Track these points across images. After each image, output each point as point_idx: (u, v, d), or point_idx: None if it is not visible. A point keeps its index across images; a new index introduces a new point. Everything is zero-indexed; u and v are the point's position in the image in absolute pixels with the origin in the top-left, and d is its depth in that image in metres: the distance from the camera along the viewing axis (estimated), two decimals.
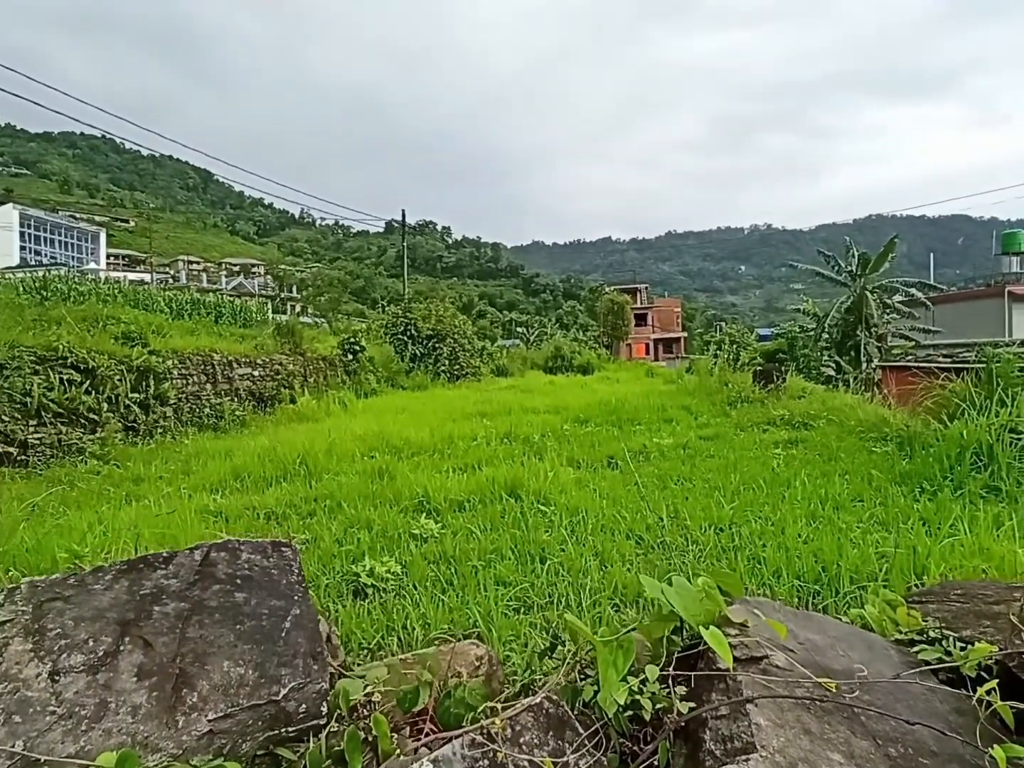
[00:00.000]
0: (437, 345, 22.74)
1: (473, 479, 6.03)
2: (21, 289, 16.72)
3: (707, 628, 1.36)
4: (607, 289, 66.93)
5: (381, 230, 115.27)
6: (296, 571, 1.62)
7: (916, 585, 3.11)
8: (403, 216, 39.65)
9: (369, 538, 4.45)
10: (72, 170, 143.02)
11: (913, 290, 23.85)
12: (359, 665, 1.96)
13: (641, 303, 67.98)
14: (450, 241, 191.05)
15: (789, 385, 12.63)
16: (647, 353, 62.77)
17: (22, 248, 65.35)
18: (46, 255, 68.01)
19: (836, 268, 24.70)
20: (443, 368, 22.24)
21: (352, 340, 18.40)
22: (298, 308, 65.37)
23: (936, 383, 7.64)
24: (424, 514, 5.03)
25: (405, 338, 22.44)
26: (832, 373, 21.74)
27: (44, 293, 17.28)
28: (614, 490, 5.70)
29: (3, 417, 7.97)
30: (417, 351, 22.29)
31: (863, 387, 16.12)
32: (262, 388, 13.85)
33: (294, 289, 79.76)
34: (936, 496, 4.91)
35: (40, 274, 22.02)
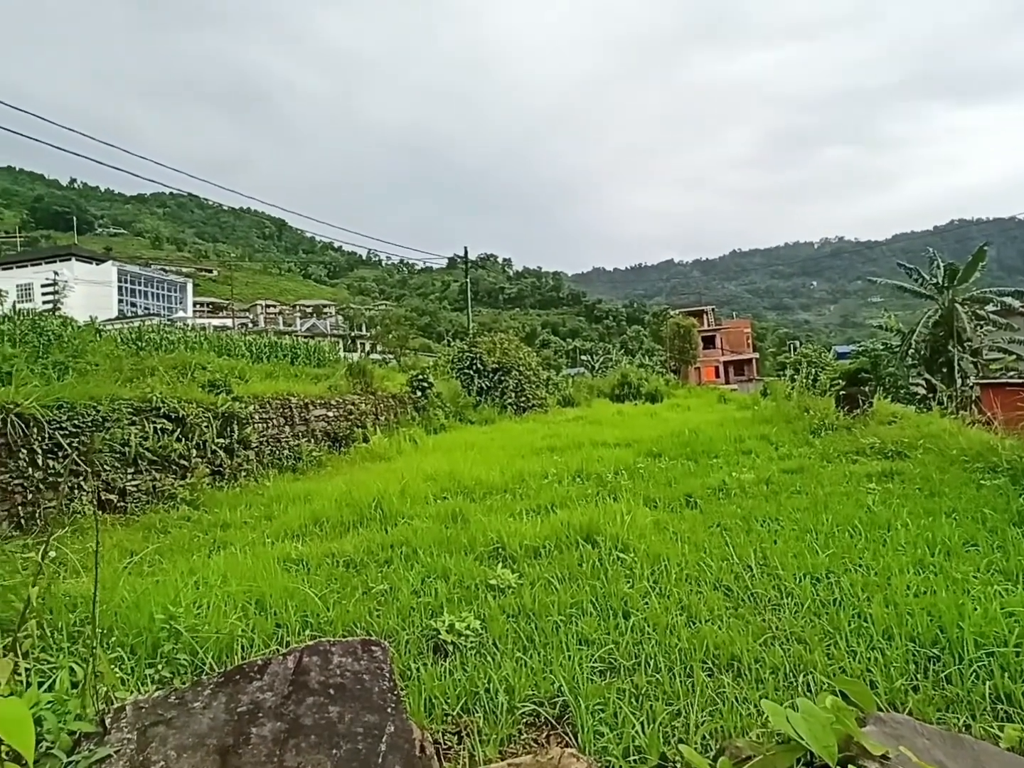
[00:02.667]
0: (503, 378, 22.85)
1: (547, 523, 5.91)
2: (120, 340, 18.11)
3: None
4: (672, 313, 65.81)
5: (444, 266, 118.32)
6: (387, 675, 1.58)
7: None
8: (465, 252, 40.58)
9: (446, 589, 4.40)
10: (162, 227, 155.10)
11: (1008, 299, 22.14)
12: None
13: (708, 325, 66.37)
14: (511, 272, 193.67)
15: (877, 409, 11.88)
16: (717, 376, 60.96)
17: (120, 301, 71.04)
18: (140, 307, 73.58)
19: (919, 280, 23.31)
20: (509, 401, 22.29)
21: (420, 377, 18.75)
22: (367, 346, 67.63)
23: None
24: (500, 562, 4.95)
25: (471, 372, 22.67)
26: (923, 392, 20.33)
27: (139, 343, 18.65)
28: (695, 534, 5.45)
29: (105, 466, 8.51)
30: (483, 384, 22.45)
31: (959, 407, 14.96)
32: (336, 428, 14.26)
33: (363, 327, 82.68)
34: None
35: (136, 325, 23.81)
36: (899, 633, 3.25)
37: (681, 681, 3.02)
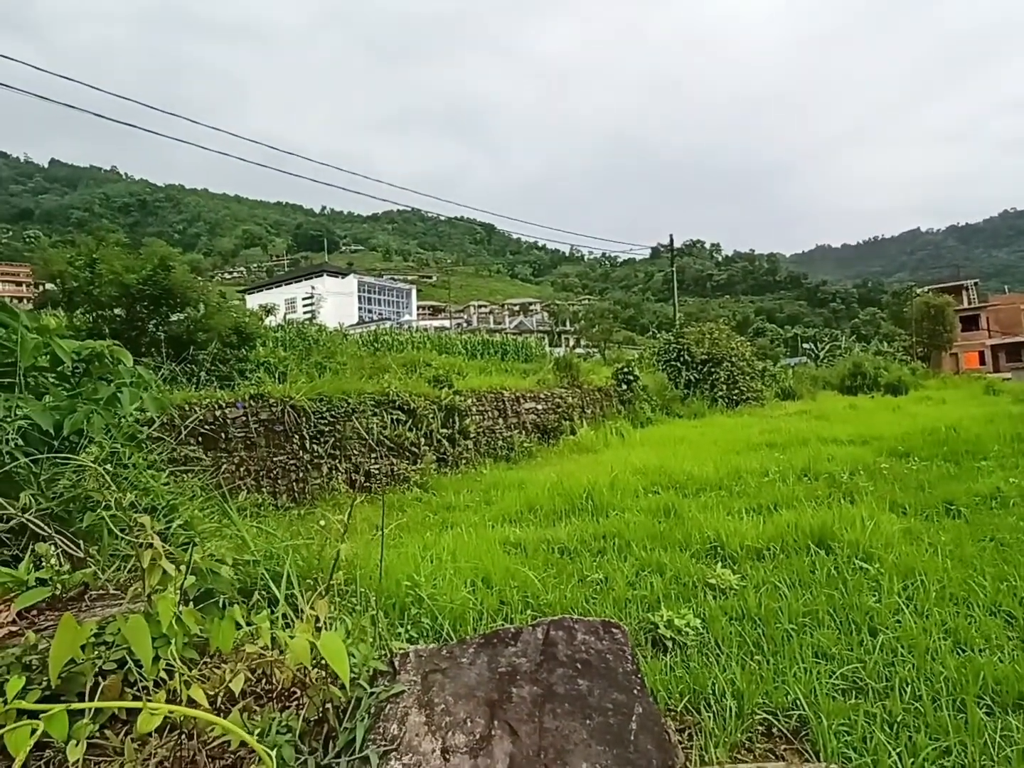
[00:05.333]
0: (713, 369, 21.72)
1: (770, 523, 5.48)
2: (360, 342, 21.03)
3: None
4: (919, 290, 56.68)
5: (647, 256, 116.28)
6: (630, 658, 1.62)
7: None
8: (671, 240, 39.28)
9: (662, 584, 4.31)
10: (391, 241, 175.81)
11: None
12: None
13: (969, 303, 55.87)
14: (720, 258, 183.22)
15: None
16: (981, 363, 51.03)
17: (359, 308, 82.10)
18: (375, 312, 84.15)
19: None
20: (720, 393, 21.10)
21: (626, 370, 18.60)
22: (572, 341, 69.13)
23: None
24: (719, 561, 4.71)
25: (678, 364, 21.92)
26: None
27: (376, 344, 21.44)
28: (960, 547, 4.64)
29: (354, 451, 9.88)
30: (692, 377, 21.57)
31: None
32: (545, 421, 14.80)
33: (567, 322, 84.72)
34: None
35: (372, 328, 27.33)
36: None
37: (950, 715, 2.59)
